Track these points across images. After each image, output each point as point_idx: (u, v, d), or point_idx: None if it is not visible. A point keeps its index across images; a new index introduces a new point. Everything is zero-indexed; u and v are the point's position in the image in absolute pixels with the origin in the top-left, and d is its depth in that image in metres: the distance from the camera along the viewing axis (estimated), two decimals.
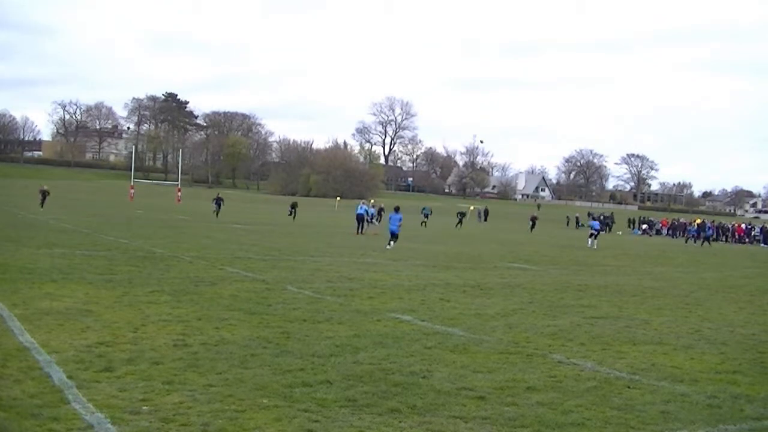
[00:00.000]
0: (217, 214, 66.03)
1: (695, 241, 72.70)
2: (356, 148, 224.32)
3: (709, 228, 78.62)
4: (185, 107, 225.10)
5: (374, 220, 56.00)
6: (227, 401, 9.47)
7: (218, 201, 68.88)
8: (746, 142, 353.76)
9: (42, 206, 61.60)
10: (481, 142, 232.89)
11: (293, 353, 12.38)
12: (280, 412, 9.15)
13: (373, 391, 10.26)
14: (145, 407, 9.05)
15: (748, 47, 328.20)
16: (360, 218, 53.80)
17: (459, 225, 78.24)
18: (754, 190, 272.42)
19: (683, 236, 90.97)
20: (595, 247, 55.26)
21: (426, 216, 79.65)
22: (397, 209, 42.54)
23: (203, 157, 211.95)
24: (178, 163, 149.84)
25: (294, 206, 71.93)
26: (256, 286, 20.83)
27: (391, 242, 40.18)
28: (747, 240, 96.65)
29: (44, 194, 64.88)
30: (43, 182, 78.48)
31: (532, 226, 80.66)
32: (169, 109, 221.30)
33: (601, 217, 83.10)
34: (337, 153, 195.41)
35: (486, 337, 15.15)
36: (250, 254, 30.95)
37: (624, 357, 13.95)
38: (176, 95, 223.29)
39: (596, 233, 57.79)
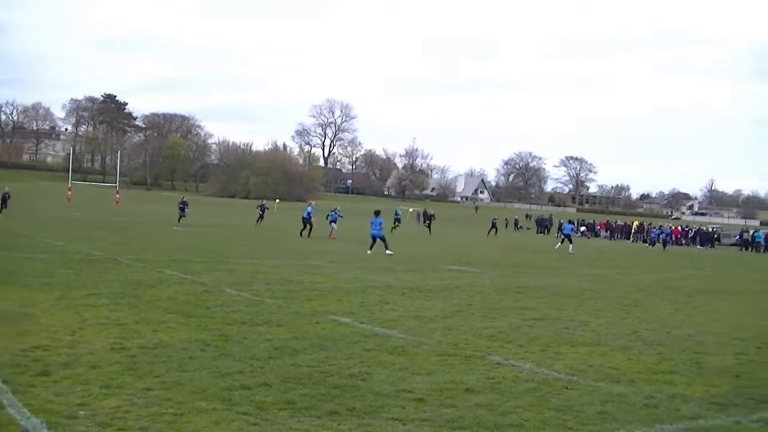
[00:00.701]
0: (179, 221, 61.37)
1: (654, 246, 72.07)
2: (296, 151, 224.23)
3: (668, 233, 78.57)
4: (124, 108, 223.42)
5: (334, 223, 54.27)
6: (165, 405, 9.40)
7: (182, 206, 64.29)
8: (684, 146, 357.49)
9: (5, 208, 60.58)
10: (414, 139, 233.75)
11: (232, 356, 12.33)
12: (218, 415, 9.11)
13: (312, 394, 10.24)
14: (82, 412, 8.95)
15: (685, 52, 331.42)
16: (306, 221, 52.91)
17: (429, 228, 76.95)
18: (691, 193, 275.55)
19: (639, 240, 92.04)
20: (571, 251, 55.03)
21: (398, 220, 76.60)
22: (377, 213, 42.16)
23: (142, 159, 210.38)
24: (116, 164, 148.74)
25: (263, 208, 70.23)
26: (195, 289, 20.73)
27: (374, 248, 39.91)
28: (684, 242, 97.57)
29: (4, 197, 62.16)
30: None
31: (492, 229, 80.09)
32: (107, 111, 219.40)
33: (574, 222, 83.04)
34: (277, 155, 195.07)
35: (425, 339, 15.17)
36: (189, 256, 30.80)
37: (562, 358, 14.04)
38: (115, 96, 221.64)
39: (567, 237, 57.46)
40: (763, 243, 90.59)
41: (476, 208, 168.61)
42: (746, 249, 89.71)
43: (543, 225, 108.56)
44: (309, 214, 53.66)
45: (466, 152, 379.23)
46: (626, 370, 13.28)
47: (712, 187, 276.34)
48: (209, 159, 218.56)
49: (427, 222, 78.18)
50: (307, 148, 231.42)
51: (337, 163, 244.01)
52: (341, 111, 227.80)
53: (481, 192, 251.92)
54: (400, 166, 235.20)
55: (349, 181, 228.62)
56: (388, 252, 38.96)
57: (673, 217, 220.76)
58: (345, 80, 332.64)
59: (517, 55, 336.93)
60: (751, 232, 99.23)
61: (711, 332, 18.59)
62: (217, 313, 16.71)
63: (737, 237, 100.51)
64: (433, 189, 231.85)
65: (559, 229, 62.13)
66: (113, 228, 49.92)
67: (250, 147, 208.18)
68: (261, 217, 67.45)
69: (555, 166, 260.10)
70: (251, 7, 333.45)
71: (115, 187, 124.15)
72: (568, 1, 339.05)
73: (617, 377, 12.60)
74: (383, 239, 40.31)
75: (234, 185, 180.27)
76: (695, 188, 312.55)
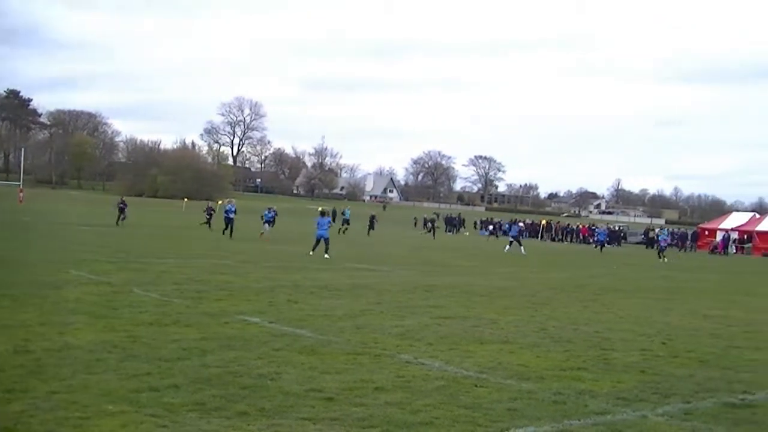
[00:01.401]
0: (117, 222, 57.98)
1: (599, 247, 71.45)
2: (205, 149, 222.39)
3: (603, 233, 78.67)
4: (28, 105, 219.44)
5: (267, 225, 53.54)
6: (71, 408, 9.27)
7: (121, 206, 60.13)
8: (591, 146, 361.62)
9: None
10: (323, 138, 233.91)
11: (139, 357, 12.21)
12: (126, 417, 9.02)
13: (221, 395, 10.20)
14: None
15: (588, 55, 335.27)
16: (228, 220, 52.09)
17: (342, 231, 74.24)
18: (598, 192, 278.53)
19: (547, 238, 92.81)
20: (523, 252, 55.01)
21: (347, 221, 74.04)
22: (323, 213, 42.15)
23: (47, 157, 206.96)
24: (20, 162, 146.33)
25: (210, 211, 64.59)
26: (102, 289, 20.48)
27: (316, 249, 38.64)
28: (592, 240, 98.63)
29: None
30: None
31: (431, 231, 79.30)
32: (10, 107, 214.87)
33: (520, 223, 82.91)
34: (185, 153, 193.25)
35: (334, 338, 15.18)
36: (97, 256, 30.36)
37: (471, 356, 14.12)
38: (19, 92, 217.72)
39: (516, 239, 57.61)
40: (668, 241, 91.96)
41: (384, 206, 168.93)
42: (652, 247, 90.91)
43: (452, 224, 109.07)
44: (231, 212, 52.96)
45: (375, 151, 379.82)
46: (535, 367, 13.41)
47: (619, 187, 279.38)
48: (117, 157, 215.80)
49: (369, 224, 76.12)
50: (215, 146, 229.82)
51: (246, 162, 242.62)
52: (250, 109, 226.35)
53: (390, 191, 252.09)
54: (309, 164, 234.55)
55: (258, 180, 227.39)
56: (326, 256, 37.34)
57: (572, 214, 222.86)
58: (254, 78, 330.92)
59: (425, 54, 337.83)
60: (656, 230, 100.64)
61: (617, 329, 18.86)
62: (125, 314, 16.53)
63: (643, 235, 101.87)
64: (342, 188, 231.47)
65: (506, 232, 62.22)
66: (17, 227, 49.05)
67: (158, 145, 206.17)
68: (120, 217, 59.63)
69: (464, 165, 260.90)
70: (159, 6, 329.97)
71: (19, 185, 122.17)
72: (473, 1, 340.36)
73: (526, 374, 12.72)
74: (327, 241, 38.83)
75: (142, 184, 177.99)
76: (602, 187, 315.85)
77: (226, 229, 51.91)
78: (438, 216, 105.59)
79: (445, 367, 12.95)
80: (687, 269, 51.54)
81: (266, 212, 54.26)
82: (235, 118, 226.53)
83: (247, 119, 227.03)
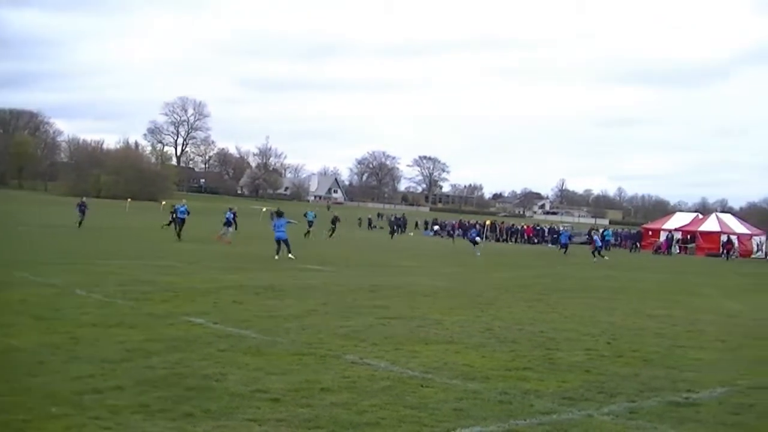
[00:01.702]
0: (80, 224, 56.05)
1: (563, 249, 70.01)
2: (148, 149, 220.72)
3: (566, 234, 78.04)
4: None
5: (229, 228, 51.77)
6: (14, 411, 9.17)
7: (82, 207, 58.11)
8: (536, 146, 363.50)
9: None
10: (267, 138, 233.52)
11: (83, 359, 12.10)
12: (70, 420, 8.92)
13: (166, 396, 10.12)
14: None
15: (542, 56, 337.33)
16: (181, 220, 50.72)
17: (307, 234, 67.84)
18: (542, 192, 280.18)
19: (492, 238, 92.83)
20: (479, 254, 54.74)
21: (310, 224, 70.34)
22: (280, 214, 40.11)
23: None
24: None
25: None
26: (45, 291, 20.29)
27: (281, 252, 37.55)
28: (536, 240, 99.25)
29: None
30: None
31: (392, 232, 78.30)
32: None
33: (477, 225, 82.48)
34: (129, 154, 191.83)
35: (280, 338, 15.13)
36: (40, 257, 30.10)
37: (417, 356, 14.12)
38: None
39: (473, 241, 57.59)
40: (612, 241, 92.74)
41: (328, 207, 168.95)
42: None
43: (396, 224, 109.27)
44: (183, 212, 51.62)
45: (319, 152, 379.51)
46: (481, 367, 13.43)
47: (563, 187, 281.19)
48: (59, 157, 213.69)
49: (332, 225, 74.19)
50: (159, 146, 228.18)
51: (190, 162, 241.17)
52: (194, 109, 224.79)
53: (334, 191, 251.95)
54: (253, 165, 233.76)
55: (202, 180, 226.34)
56: (290, 256, 37.03)
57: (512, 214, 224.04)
58: (198, 78, 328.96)
59: (372, 54, 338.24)
60: (601, 230, 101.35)
61: (562, 329, 18.95)
62: (69, 316, 16.38)
63: (586, 236, 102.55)
64: (286, 188, 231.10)
65: (450, 234, 61.94)
66: None
67: (101, 145, 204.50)
68: (172, 221, 55.77)
69: (408, 165, 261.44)
70: (100, 5, 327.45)
71: None
72: (402, 2, 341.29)
73: (472, 374, 12.74)
74: (287, 242, 37.95)
75: (84, 184, 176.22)
76: (547, 188, 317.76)
77: (177, 228, 50.53)
78: (381, 216, 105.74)
79: (390, 367, 12.95)
80: (631, 269, 51.95)
81: (228, 213, 52.43)
82: (178, 118, 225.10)
83: (191, 119, 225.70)
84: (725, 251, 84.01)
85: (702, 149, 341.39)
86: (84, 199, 63.25)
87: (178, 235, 49.63)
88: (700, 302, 28.86)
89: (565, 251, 64.93)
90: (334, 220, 74.45)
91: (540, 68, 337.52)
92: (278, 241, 37.90)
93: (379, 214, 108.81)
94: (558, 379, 12.79)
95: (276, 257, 37.17)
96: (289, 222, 39.50)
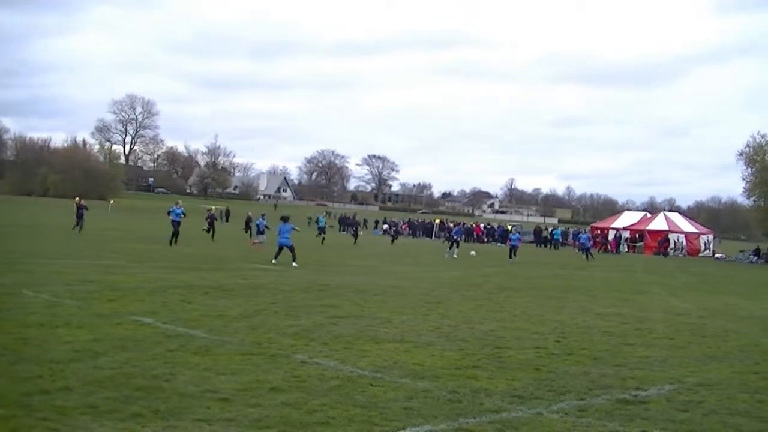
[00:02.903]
0: (76, 227, 51.96)
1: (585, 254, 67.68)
2: (96, 147, 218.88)
3: (587, 237, 75.55)
4: None
5: (263, 236, 48.78)
6: None
7: (79, 210, 52.90)
8: (485, 145, 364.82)
9: None
10: (216, 136, 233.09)
11: (30, 360, 11.95)
12: (17, 422, 8.82)
13: (114, 397, 10.04)
14: None
15: (490, 56, 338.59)
16: (176, 223, 46.08)
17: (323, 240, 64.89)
18: (492, 191, 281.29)
19: (441, 237, 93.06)
20: (456, 256, 53.69)
21: (322, 229, 68.72)
22: (285, 219, 37.75)
23: None
24: None
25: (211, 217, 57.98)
26: None
27: (279, 257, 36.02)
28: (485, 239, 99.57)
29: None
30: None
31: (355, 235, 75.79)
32: None
33: (462, 225, 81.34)
34: (77, 152, 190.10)
35: (229, 338, 15.07)
36: None
37: (367, 355, 14.12)
38: None
39: (455, 241, 56.23)
40: (560, 240, 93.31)
41: (275, 206, 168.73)
42: (544, 246, 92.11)
43: (346, 223, 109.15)
44: (179, 215, 46.81)
45: (269, 150, 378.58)
46: (430, 365, 13.46)
47: (512, 186, 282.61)
48: (5, 155, 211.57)
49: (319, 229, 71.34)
50: (107, 145, 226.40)
51: (139, 161, 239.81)
52: (143, 107, 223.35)
53: (284, 190, 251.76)
54: (202, 163, 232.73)
55: (151, 179, 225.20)
56: (294, 264, 34.90)
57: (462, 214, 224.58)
58: (147, 76, 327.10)
59: (322, 54, 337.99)
60: (550, 229, 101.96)
61: (511, 327, 19.05)
62: (15, 316, 16.17)
63: (533, 234, 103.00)
64: (236, 187, 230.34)
65: (396, 233, 61.11)
66: None
67: (48, 143, 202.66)
68: (176, 229, 46.63)
69: (358, 164, 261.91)
70: (45, 3, 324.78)
71: None
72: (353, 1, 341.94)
73: (421, 373, 12.76)
74: (292, 249, 35.99)
75: (31, 183, 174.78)
76: (496, 187, 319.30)
77: (174, 234, 45.52)
78: (329, 214, 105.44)
79: (340, 366, 12.93)
80: (579, 267, 52.24)
81: (174, 208, 47.73)
82: (127, 116, 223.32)
83: (140, 117, 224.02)
84: (663, 249, 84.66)
85: (650, 149, 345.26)
86: (81, 200, 56.40)
87: (174, 240, 45.07)
88: (648, 300, 29.08)
89: (514, 253, 63.84)
90: (226, 214, 73.49)
91: (490, 68, 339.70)
92: (281, 246, 36.34)
93: (327, 213, 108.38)
94: (507, 377, 12.84)
95: (273, 261, 35.85)
96: (294, 228, 38.08)
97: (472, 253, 55.00)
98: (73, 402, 9.71)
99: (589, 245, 64.35)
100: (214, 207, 70.80)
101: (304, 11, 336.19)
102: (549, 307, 24.22)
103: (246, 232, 60.33)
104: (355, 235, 67.47)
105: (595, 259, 60.34)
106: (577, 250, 66.96)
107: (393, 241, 72.33)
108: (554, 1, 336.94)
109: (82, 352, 12.73)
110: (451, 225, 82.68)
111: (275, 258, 36.43)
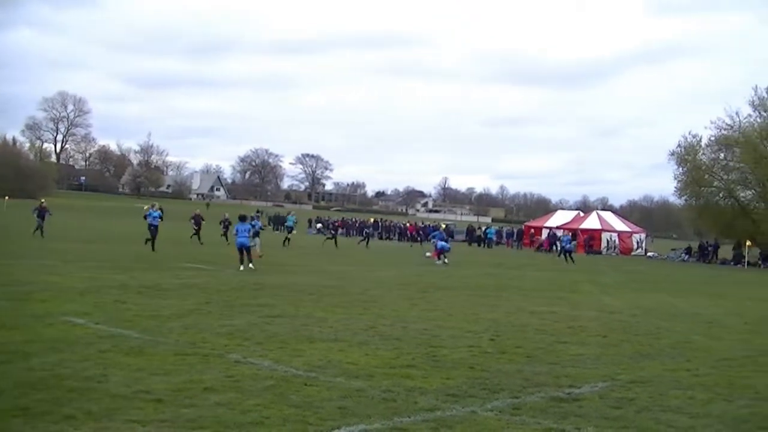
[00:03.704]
0: (37, 231, 49.36)
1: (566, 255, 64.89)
2: (26, 146, 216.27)
3: (567, 239, 73.72)
4: None
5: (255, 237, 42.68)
6: None
7: (41, 213, 51.13)
8: (419, 145, 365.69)
9: None
10: (149, 135, 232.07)
11: None
12: None
13: (47, 399, 9.95)
14: None
15: (426, 56, 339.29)
16: (153, 227, 43.85)
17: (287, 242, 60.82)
18: (425, 190, 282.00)
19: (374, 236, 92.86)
20: (446, 261, 49.09)
21: (290, 230, 64.10)
22: (243, 218, 35.98)
23: None
24: None
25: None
26: None
27: (247, 264, 33.63)
28: (419, 239, 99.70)
29: None
30: None
31: (332, 238, 69.62)
32: None
33: (445, 226, 79.83)
34: (6, 150, 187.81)
35: (162, 338, 15.00)
36: None
37: (301, 355, 14.12)
38: None
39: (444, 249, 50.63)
40: (494, 239, 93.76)
41: (207, 205, 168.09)
42: (478, 244, 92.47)
43: (279, 222, 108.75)
44: (157, 218, 44.74)
45: (203, 149, 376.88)
46: (365, 365, 13.48)
47: (446, 185, 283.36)
48: None
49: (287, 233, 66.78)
50: (38, 143, 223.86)
51: (70, 160, 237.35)
52: (74, 105, 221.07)
53: (217, 189, 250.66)
54: (135, 162, 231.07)
55: (83, 178, 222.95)
56: (251, 266, 33.57)
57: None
58: (78, 74, 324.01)
59: (252, 52, 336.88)
60: (483, 228, 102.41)
61: (446, 326, 19.11)
62: None
63: (467, 233, 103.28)
64: (168, 186, 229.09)
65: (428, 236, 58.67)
66: None
67: None
68: (154, 234, 44.57)
69: (291, 163, 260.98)
70: None
71: None
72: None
73: (356, 372, 12.77)
74: (249, 250, 34.42)
75: None
76: (429, 186, 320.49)
77: (151, 239, 43.34)
78: (261, 213, 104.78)
79: (274, 366, 12.92)
80: (513, 266, 52.49)
81: (151, 212, 45.40)
82: (58, 114, 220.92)
83: (71, 116, 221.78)
84: (551, 246, 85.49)
85: (584, 148, 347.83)
86: (43, 202, 54.50)
87: (152, 245, 42.85)
88: (581, 299, 29.32)
89: (566, 258, 61.47)
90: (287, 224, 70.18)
91: (426, 67, 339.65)
92: (240, 249, 34.14)
93: (258, 211, 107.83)
94: (442, 376, 12.88)
95: (241, 268, 33.21)
96: (253, 227, 37.25)
97: (427, 254, 53.57)
98: (5, 404, 9.61)
99: (571, 248, 62.54)
100: (227, 213, 66.80)
101: (240, 10, 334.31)
102: (483, 306, 24.34)
103: (223, 236, 58.20)
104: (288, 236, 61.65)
105: (575, 263, 58.83)
106: (558, 255, 64.73)
107: (336, 241, 66.55)
108: (490, 1, 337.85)
109: (13, 354, 12.61)
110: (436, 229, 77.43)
111: (241, 264, 33.63)
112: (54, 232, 50.77)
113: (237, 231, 34.71)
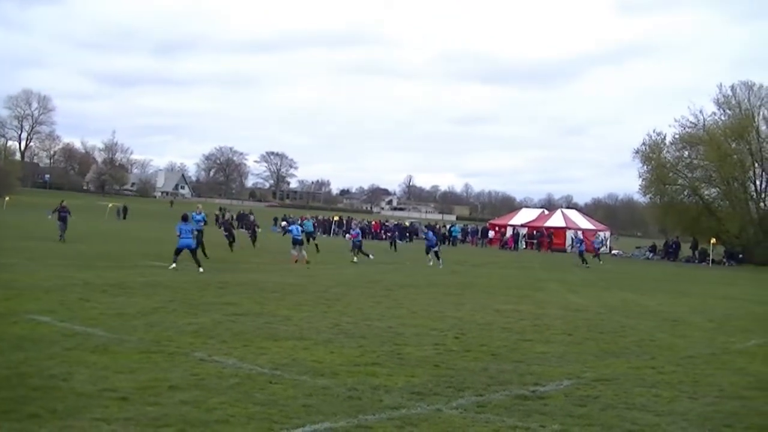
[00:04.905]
0: (62, 236, 45.61)
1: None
2: None
3: (579, 241, 72.32)
4: None
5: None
6: None
7: (63, 214, 47.14)
8: (386, 143, 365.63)
9: None
10: (114, 133, 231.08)
11: None
12: None
13: (10, 397, 9.92)
14: None
15: (393, 54, 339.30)
16: (198, 232, 37.79)
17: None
18: (390, 188, 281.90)
19: (340, 234, 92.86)
20: (431, 264, 46.44)
21: (311, 235, 56.13)
22: (185, 218, 34.04)
23: None
24: None
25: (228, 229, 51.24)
26: None
27: (177, 263, 31.79)
28: (384, 236, 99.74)
29: None
30: None
31: (253, 234, 65.07)
32: None
33: (436, 227, 78.62)
34: None
35: (127, 336, 14.97)
36: None
37: (266, 353, 14.13)
38: None
39: (432, 248, 47.53)
40: (458, 237, 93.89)
41: (171, 203, 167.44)
42: (442, 243, 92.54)
43: (243, 220, 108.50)
44: (200, 221, 41.34)
45: (167, 147, 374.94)
46: (329, 363, 13.51)
47: (411, 183, 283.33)
48: None
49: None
50: (2, 141, 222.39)
51: (35, 157, 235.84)
52: (38, 103, 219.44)
53: (181, 187, 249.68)
54: (99, 160, 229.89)
55: (47, 176, 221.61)
56: (200, 270, 31.26)
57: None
58: (42, 71, 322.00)
59: (214, 51, 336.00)
60: (448, 226, 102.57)
61: (410, 324, 19.16)
62: None
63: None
64: (133, 184, 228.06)
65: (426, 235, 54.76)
66: None
67: None
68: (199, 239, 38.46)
69: (256, 161, 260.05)
70: None
71: None
72: None
73: (321, 370, 12.80)
74: (194, 252, 32.70)
75: None
76: (394, 184, 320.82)
77: (200, 246, 37.19)
78: (223, 211, 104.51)
79: (239, 364, 12.93)
80: (478, 264, 52.59)
81: (309, 220, 41.02)
82: (22, 112, 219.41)
83: (35, 113, 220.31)
84: (516, 243, 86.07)
85: (549, 147, 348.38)
86: (64, 201, 50.44)
87: (203, 251, 37.88)
88: (546, 297, 29.41)
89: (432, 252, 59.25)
90: (123, 211, 68.50)
91: (392, 66, 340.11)
92: (180, 249, 32.46)
93: (221, 208, 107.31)
94: (407, 374, 12.92)
95: (173, 266, 31.60)
96: (200, 222, 36.09)
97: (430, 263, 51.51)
98: None
99: (583, 248, 60.88)
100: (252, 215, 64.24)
101: (206, 7, 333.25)
102: (448, 304, 24.40)
103: (251, 238, 55.01)
104: (254, 235, 57.73)
105: (590, 265, 56.90)
106: (592, 256, 61.09)
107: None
108: (457, 0, 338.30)
109: None
110: (425, 228, 72.51)
111: (199, 266, 31.92)
112: (18, 230, 50.46)
113: (180, 231, 32.89)
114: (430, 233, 50.07)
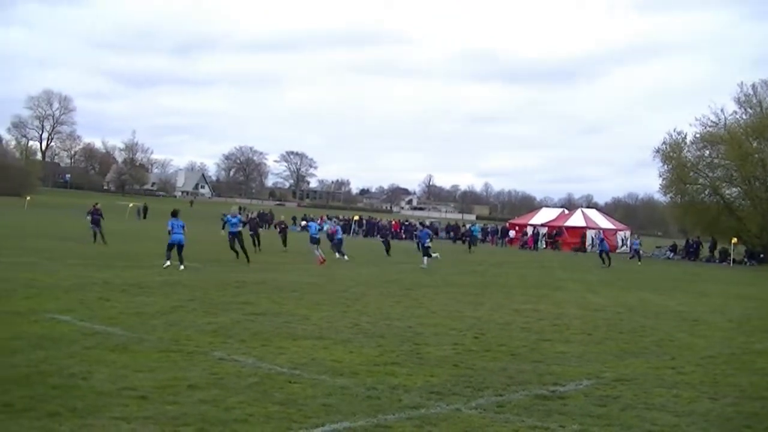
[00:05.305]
0: (96, 238, 44.84)
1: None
2: (12, 144, 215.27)
3: (636, 242, 72.16)
4: None
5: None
6: None
7: (96, 216, 46.27)
8: (404, 142, 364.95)
9: None
10: (134, 132, 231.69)
11: None
12: None
13: (31, 395, 9.95)
14: None
15: (411, 53, 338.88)
16: (232, 236, 38.24)
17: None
18: (410, 188, 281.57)
19: (360, 234, 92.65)
20: (424, 265, 43.67)
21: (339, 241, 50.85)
22: (175, 213, 33.21)
23: None
24: None
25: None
26: None
27: (182, 266, 30.98)
28: (404, 236, 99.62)
29: None
30: None
31: (283, 239, 62.56)
32: None
33: (431, 224, 78.29)
34: None
35: (146, 335, 15.00)
36: None
37: (284, 352, 14.14)
38: None
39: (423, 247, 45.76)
40: (478, 236, 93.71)
41: (191, 202, 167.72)
42: (462, 242, 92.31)
43: (264, 220, 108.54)
44: (237, 224, 39.18)
45: (187, 147, 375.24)
46: (348, 362, 13.50)
47: (430, 183, 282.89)
48: None
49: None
50: (24, 141, 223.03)
51: (56, 157, 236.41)
52: (59, 103, 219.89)
53: (201, 187, 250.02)
54: (119, 160, 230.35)
55: (68, 176, 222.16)
56: (181, 267, 30.89)
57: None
58: (63, 72, 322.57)
59: (235, 50, 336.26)
60: (468, 226, 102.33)
61: (430, 324, 19.13)
62: None
63: (451, 231, 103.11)
64: (153, 184, 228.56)
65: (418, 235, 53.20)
66: None
67: None
68: (98, 231, 44.86)
69: (276, 161, 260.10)
70: None
71: None
72: None
73: (340, 370, 12.80)
74: (180, 248, 31.85)
75: None
76: (414, 183, 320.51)
77: (242, 247, 38.04)
78: (246, 211, 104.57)
79: (258, 363, 12.94)
80: (497, 264, 52.45)
81: (331, 222, 39.72)
82: (43, 112, 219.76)
83: (56, 113, 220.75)
84: (536, 243, 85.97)
85: (568, 146, 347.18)
86: (98, 204, 49.06)
87: (245, 253, 37.82)
88: (565, 296, 29.30)
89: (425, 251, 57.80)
90: (144, 211, 67.47)
91: (410, 65, 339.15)
92: (171, 245, 31.91)
93: (240, 208, 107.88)
94: (426, 373, 12.91)
95: (167, 263, 31.40)
96: (237, 225, 36.84)
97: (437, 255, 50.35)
98: None
99: (607, 248, 59.74)
100: (283, 216, 63.20)
101: (225, 7, 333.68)
102: (467, 304, 24.37)
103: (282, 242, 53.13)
104: (283, 235, 55.59)
105: (613, 265, 55.80)
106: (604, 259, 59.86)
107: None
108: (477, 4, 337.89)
109: None
110: (419, 226, 72.17)
111: (181, 264, 31.41)
112: (39, 229, 50.60)
113: (171, 227, 32.25)
114: (425, 231, 48.65)
